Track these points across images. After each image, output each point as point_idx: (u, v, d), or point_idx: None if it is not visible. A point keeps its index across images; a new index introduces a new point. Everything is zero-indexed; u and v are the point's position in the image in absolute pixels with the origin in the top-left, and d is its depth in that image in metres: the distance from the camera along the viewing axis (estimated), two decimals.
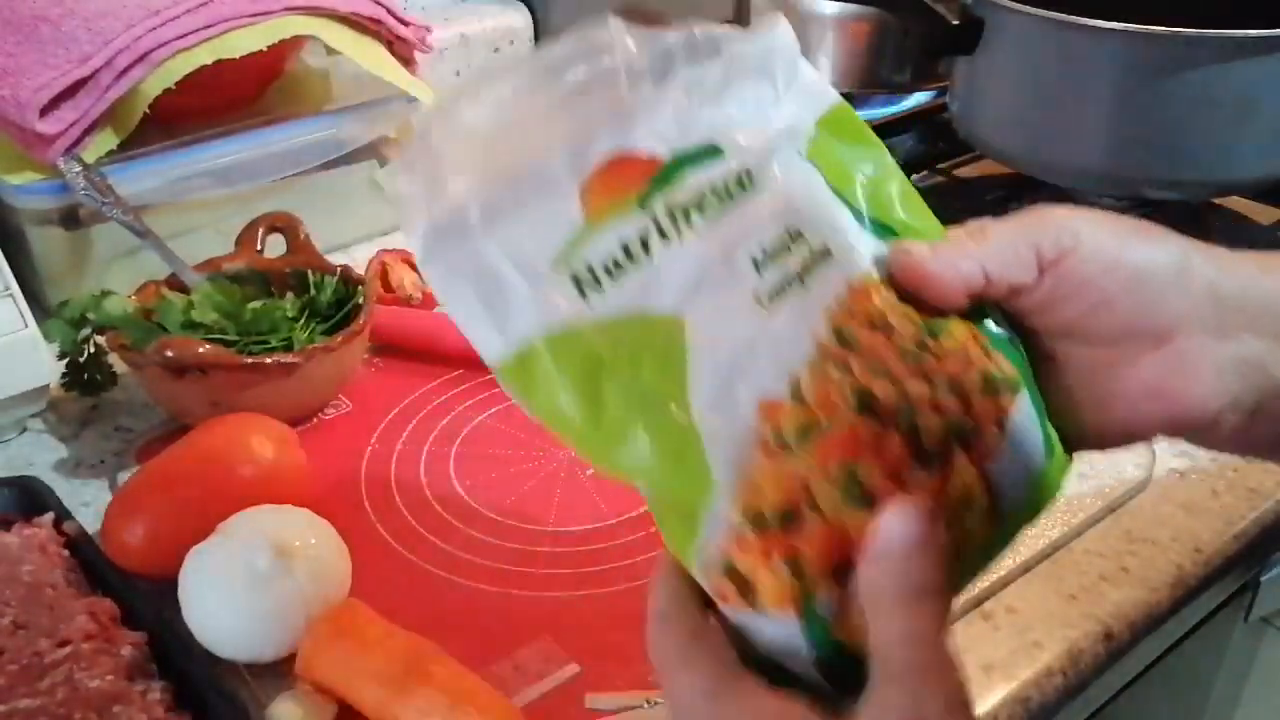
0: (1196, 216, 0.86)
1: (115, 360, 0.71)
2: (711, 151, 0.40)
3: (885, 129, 1.02)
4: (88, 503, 0.64)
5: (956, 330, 0.41)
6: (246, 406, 0.63)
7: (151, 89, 0.75)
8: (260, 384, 0.64)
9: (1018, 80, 0.83)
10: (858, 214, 0.43)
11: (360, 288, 0.71)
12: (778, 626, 0.37)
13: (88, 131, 0.75)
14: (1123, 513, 0.63)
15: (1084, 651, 0.55)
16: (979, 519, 0.40)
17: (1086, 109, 0.79)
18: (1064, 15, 0.77)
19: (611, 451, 0.38)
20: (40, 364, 0.67)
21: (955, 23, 0.83)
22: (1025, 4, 0.79)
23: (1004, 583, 0.58)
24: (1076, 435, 0.43)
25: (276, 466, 0.58)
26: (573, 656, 0.53)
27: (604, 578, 0.58)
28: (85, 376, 0.71)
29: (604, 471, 0.38)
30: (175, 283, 0.71)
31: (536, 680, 0.51)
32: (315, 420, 0.70)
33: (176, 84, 0.75)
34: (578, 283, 0.37)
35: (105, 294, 0.68)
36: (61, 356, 0.70)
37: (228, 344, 0.66)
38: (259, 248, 0.74)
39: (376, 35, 0.86)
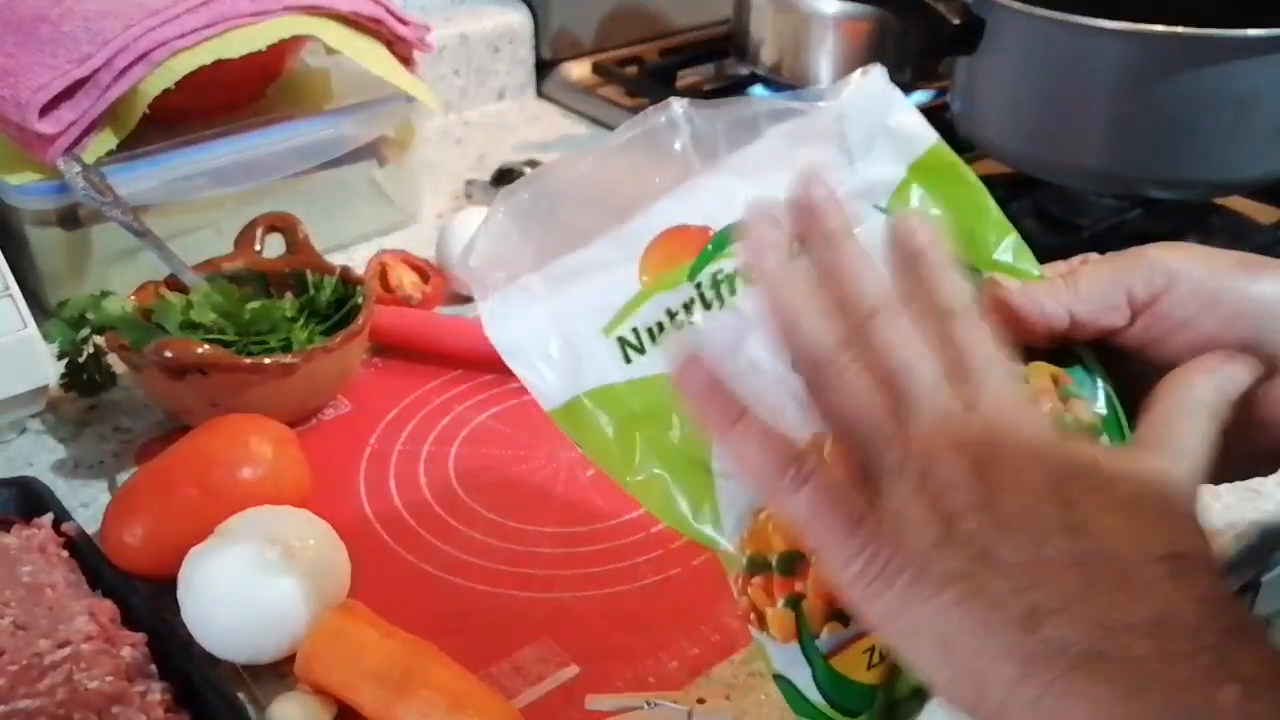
0: (1196, 216, 0.86)
1: (114, 360, 0.71)
2: None
3: None
4: (87, 503, 0.64)
5: (1035, 377, 0.41)
6: (246, 407, 0.63)
7: (151, 89, 0.75)
8: (260, 384, 0.64)
9: (1018, 80, 0.83)
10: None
11: (360, 288, 0.71)
12: (786, 653, 0.40)
13: (87, 131, 0.75)
14: None
15: None
16: None
17: (1087, 109, 0.79)
18: (1065, 15, 0.77)
19: (643, 492, 0.41)
20: (40, 364, 0.67)
21: (956, 23, 0.82)
22: (1026, 4, 0.79)
23: None
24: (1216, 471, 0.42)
25: (276, 466, 0.58)
26: (573, 657, 0.53)
27: (604, 578, 0.58)
28: (84, 377, 0.71)
29: (647, 508, 0.42)
30: (174, 283, 0.71)
31: (536, 681, 0.51)
32: (315, 420, 0.70)
33: (176, 84, 0.75)
34: (624, 345, 0.41)
35: (105, 294, 0.68)
36: (61, 357, 0.70)
37: (227, 344, 0.66)
38: (258, 248, 0.74)
39: (376, 35, 0.86)
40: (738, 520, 0.40)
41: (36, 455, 0.68)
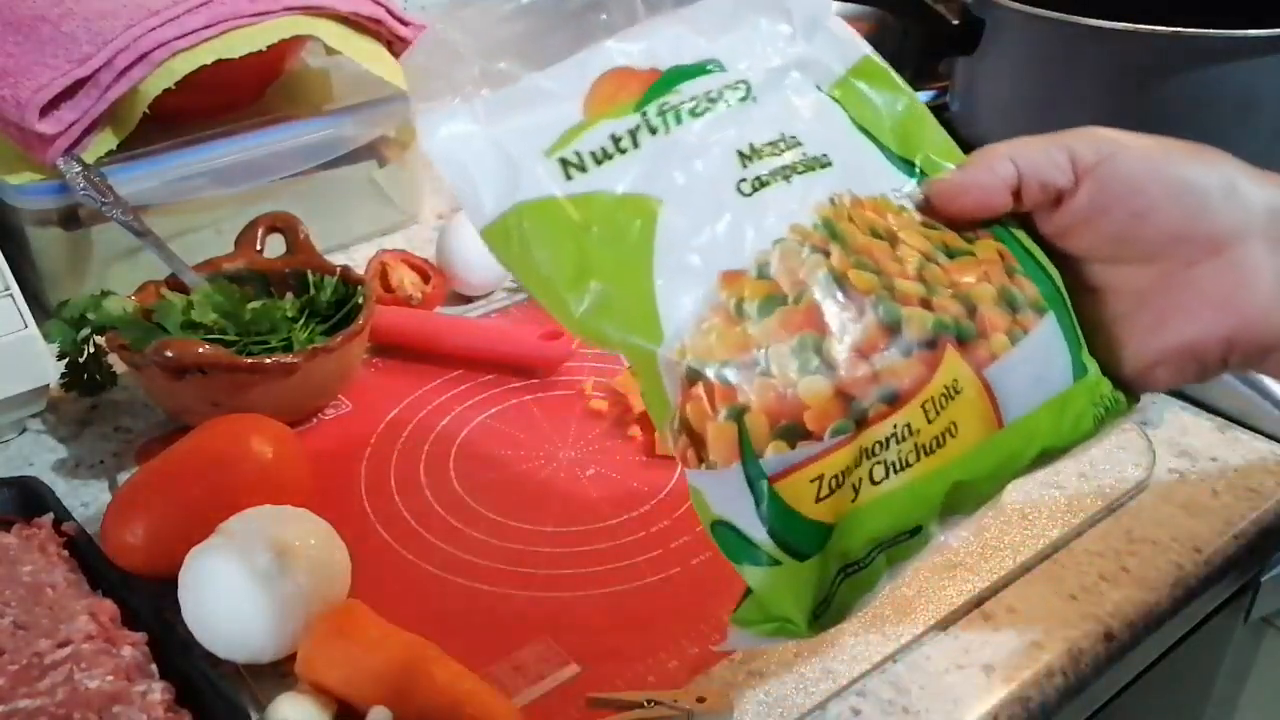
0: None
1: (115, 360, 0.71)
2: (711, 67, 0.43)
3: None
4: (87, 503, 0.64)
5: (982, 252, 0.42)
6: (246, 407, 0.63)
7: (151, 89, 0.75)
8: (260, 384, 0.64)
9: (1018, 80, 0.83)
10: (886, 150, 0.45)
11: (360, 288, 0.71)
12: (724, 485, 0.38)
13: (88, 132, 0.75)
14: (1123, 513, 0.63)
15: (1084, 652, 0.55)
16: (972, 414, 0.41)
17: (1086, 109, 0.79)
18: (1064, 15, 0.77)
19: (577, 303, 0.40)
20: (40, 364, 0.67)
21: (956, 23, 0.83)
22: (1026, 4, 0.79)
23: (1004, 583, 0.58)
24: (1137, 371, 0.42)
25: (277, 466, 0.58)
26: (573, 656, 0.53)
27: (604, 578, 0.58)
28: (85, 377, 0.71)
29: (574, 331, 0.41)
30: (175, 283, 0.71)
31: (536, 680, 0.51)
32: (315, 420, 0.70)
33: (176, 84, 0.75)
34: (565, 165, 0.41)
35: (105, 294, 0.68)
36: (61, 357, 0.70)
37: (227, 344, 0.66)
38: (259, 248, 0.74)
39: (376, 35, 0.86)
40: (677, 329, 0.39)
41: (37, 455, 0.68)
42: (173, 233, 0.77)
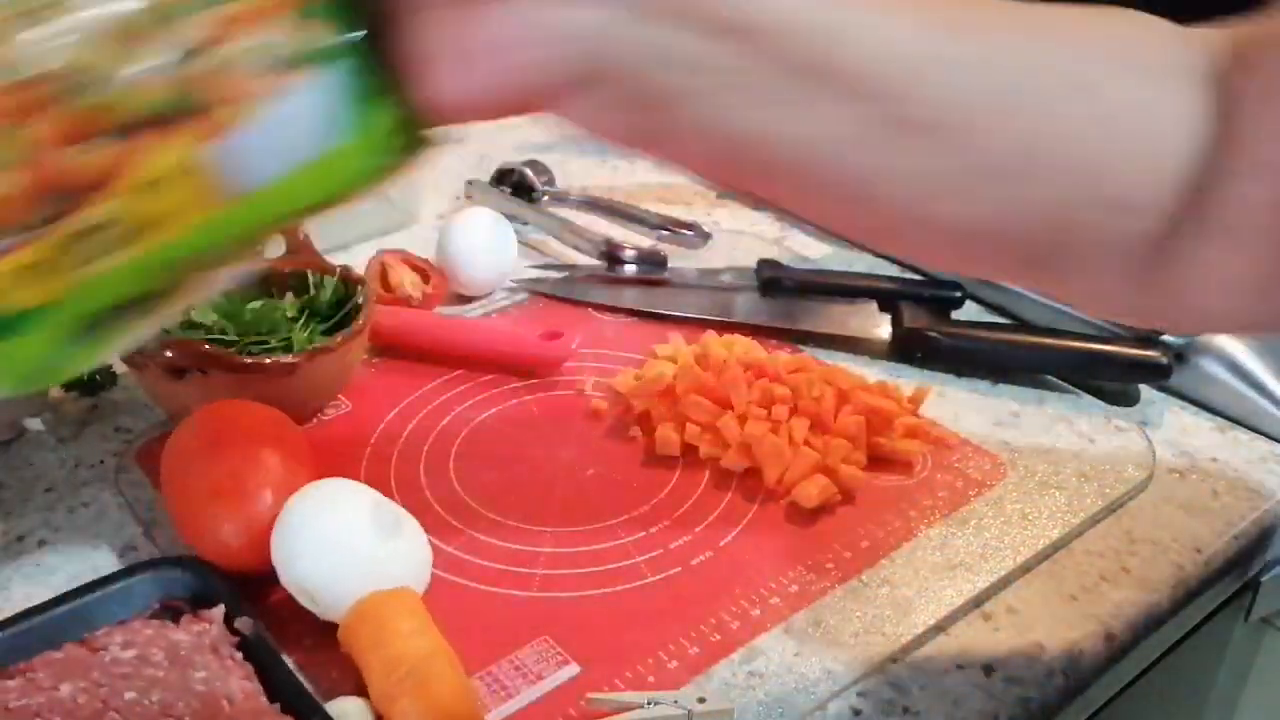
0: None
1: (115, 360, 0.71)
2: None
3: None
4: (87, 503, 0.64)
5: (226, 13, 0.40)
6: None
7: None
8: (260, 384, 0.64)
9: None
10: None
11: (360, 288, 0.71)
12: None
13: None
14: (1123, 513, 0.63)
15: (1084, 652, 0.55)
16: (187, 192, 0.40)
17: None
18: None
19: None
20: None
21: None
22: None
23: (1004, 583, 0.58)
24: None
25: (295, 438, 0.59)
26: (573, 656, 0.53)
27: (604, 578, 0.58)
28: (85, 376, 0.71)
29: None
30: None
31: (536, 680, 0.51)
32: (315, 420, 0.70)
33: None
34: None
35: None
36: None
37: (228, 344, 0.66)
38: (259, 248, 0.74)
39: None
40: None
41: (37, 455, 0.68)
42: None
